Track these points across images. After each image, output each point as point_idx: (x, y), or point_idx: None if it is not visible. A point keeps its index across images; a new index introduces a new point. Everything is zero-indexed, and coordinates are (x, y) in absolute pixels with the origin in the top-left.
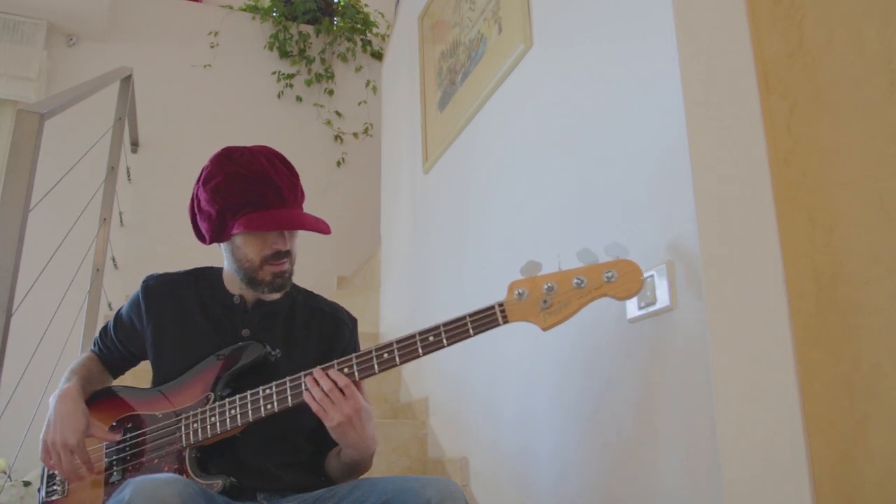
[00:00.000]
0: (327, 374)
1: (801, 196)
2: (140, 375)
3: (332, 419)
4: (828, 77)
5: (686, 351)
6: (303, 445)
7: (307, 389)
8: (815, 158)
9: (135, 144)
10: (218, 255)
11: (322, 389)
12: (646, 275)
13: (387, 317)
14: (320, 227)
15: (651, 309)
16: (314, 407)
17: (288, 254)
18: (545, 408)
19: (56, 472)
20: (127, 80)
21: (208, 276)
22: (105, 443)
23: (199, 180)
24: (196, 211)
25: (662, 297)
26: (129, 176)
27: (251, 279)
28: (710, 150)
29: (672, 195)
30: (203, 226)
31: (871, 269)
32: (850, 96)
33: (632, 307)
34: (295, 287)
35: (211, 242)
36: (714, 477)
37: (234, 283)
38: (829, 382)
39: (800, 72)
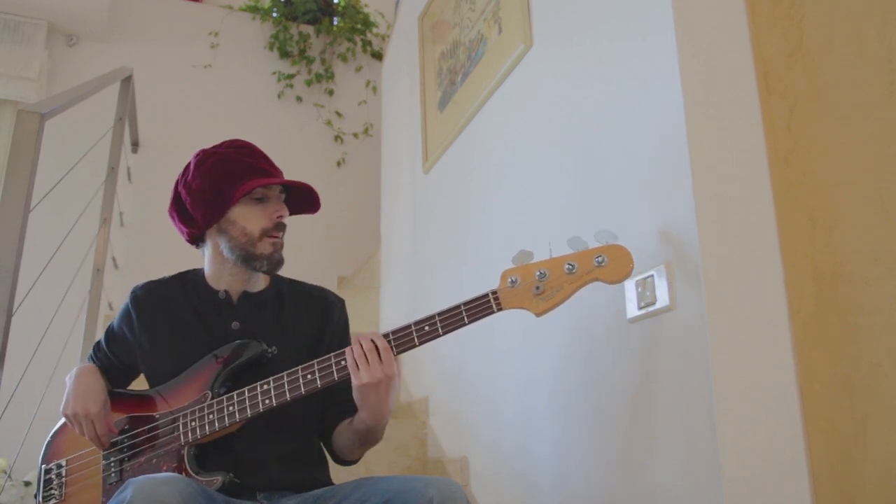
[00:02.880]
0: (370, 338)
1: (801, 196)
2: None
3: (361, 378)
4: (828, 77)
5: (686, 351)
6: (302, 434)
7: (349, 348)
8: (815, 158)
9: (135, 144)
10: None
11: (361, 348)
12: (646, 275)
13: (387, 317)
14: (314, 195)
15: (651, 309)
16: (349, 362)
17: (284, 227)
18: (545, 408)
19: (52, 477)
20: (127, 81)
21: (192, 278)
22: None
23: (184, 174)
24: (187, 198)
25: (662, 297)
26: (129, 176)
27: (248, 255)
28: (710, 150)
29: (672, 195)
30: (198, 208)
31: (871, 269)
32: (850, 96)
33: (631, 307)
34: (278, 276)
35: (203, 227)
36: (714, 477)
37: (218, 279)
38: (829, 382)
39: (800, 72)
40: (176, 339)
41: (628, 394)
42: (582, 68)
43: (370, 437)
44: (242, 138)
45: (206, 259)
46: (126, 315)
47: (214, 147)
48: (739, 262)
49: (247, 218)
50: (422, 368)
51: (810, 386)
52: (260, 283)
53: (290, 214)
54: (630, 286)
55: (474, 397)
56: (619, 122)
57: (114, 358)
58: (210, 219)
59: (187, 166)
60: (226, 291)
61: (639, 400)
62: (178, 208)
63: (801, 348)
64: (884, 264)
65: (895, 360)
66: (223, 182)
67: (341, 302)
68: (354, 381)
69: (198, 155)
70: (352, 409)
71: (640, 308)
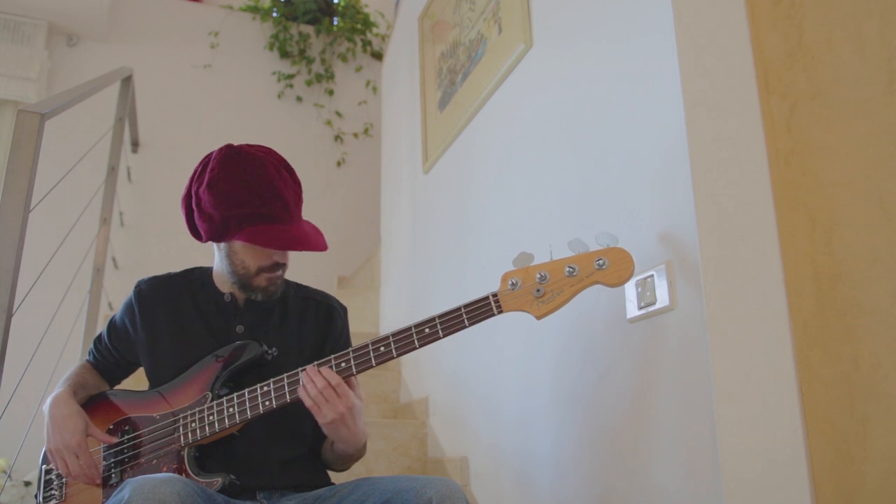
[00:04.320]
0: (320, 373)
1: (801, 196)
2: (142, 376)
3: (325, 416)
4: (828, 77)
5: (686, 351)
6: (302, 441)
7: (303, 386)
8: (815, 158)
9: (135, 144)
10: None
11: (316, 387)
12: (646, 275)
13: (387, 317)
14: (319, 245)
15: (651, 309)
16: (308, 403)
17: (285, 266)
18: (545, 408)
19: (65, 477)
20: (127, 81)
21: (199, 276)
22: (103, 445)
23: (200, 179)
24: (195, 208)
25: (662, 297)
26: (129, 176)
27: (245, 285)
28: (710, 150)
29: (672, 195)
30: (202, 226)
31: (871, 269)
32: (850, 96)
33: (631, 307)
34: (285, 280)
35: (206, 240)
36: (714, 477)
37: (224, 282)
38: (829, 382)
39: (800, 72)
40: (178, 337)
41: (628, 394)
42: (582, 68)
43: (354, 456)
44: (242, 137)
45: (215, 260)
46: (129, 308)
47: (236, 163)
48: (739, 261)
49: (247, 253)
50: (422, 369)
51: (810, 386)
52: None
53: (309, 250)
54: (630, 286)
55: (474, 397)
56: (620, 122)
57: (114, 351)
58: (213, 239)
59: (206, 163)
60: (231, 294)
61: (639, 400)
62: (188, 211)
63: (801, 348)
64: (884, 264)
65: (895, 360)
66: (230, 215)
67: (344, 310)
68: (319, 420)
69: (216, 166)
70: None
71: (640, 308)
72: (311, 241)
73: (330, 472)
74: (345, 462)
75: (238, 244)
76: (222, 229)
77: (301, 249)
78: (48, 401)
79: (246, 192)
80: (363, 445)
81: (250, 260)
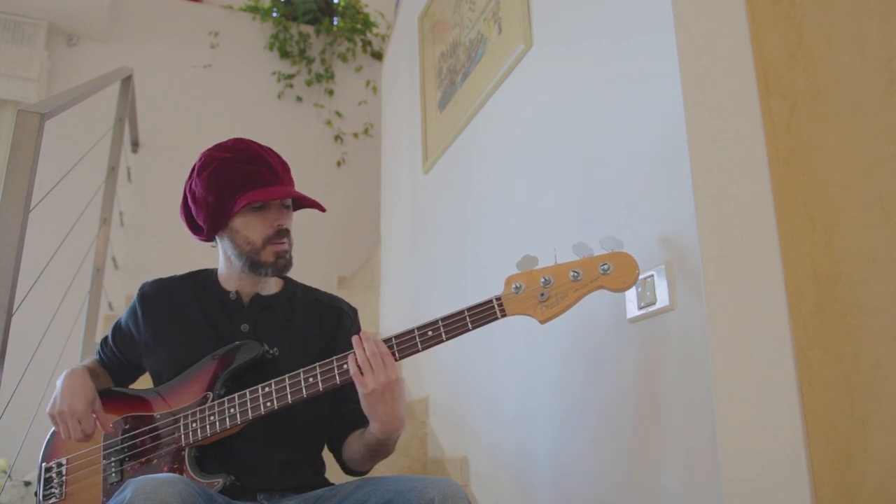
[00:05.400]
0: (372, 340)
1: (801, 196)
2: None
3: (367, 385)
4: (828, 77)
5: (686, 351)
6: (301, 445)
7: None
8: (815, 158)
9: (135, 144)
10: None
11: (364, 353)
12: (646, 275)
13: (387, 316)
14: (317, 203)
15: (651, 309)
16: (352, 370)
17: (287, 232)
18: (545, 408)
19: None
20: (127, 81)
21: (203, 277)
22: (103, 444)
23: (190, 175)
24: (192, 204)
25: (662, 297)
26: (129, 176)
27: (254, 262)
28: (710, 150)
29: (672, 195)
30: (201, 216)
31: (871, 269)
32: (850, 96)
33: (632, 307)
34: (293, 282)
35: (209, 233)
36: (714, 477)
37: (229, 281)
38: (829, 382)
39: (800, 72)
40: (183, 338)
41: (628, 394)
42: (582, 68)
43: (381, 450)
44: (245, 137)
45: (219, 259)
46: (133, 311)
47: (217, 149)
48: (739, 262)
49: (248, 227)
50: (422, 368)
51: (810, 386)
52: (272, 286)
53: (300, 208)
54: None
55: (474, 397)
56: (620, 121)
57: (119, 354)
58: (214, 227)
59: (193, 168)
60: (237, 293)
61: (639, 400)
62: (187, 213)
63: (801, 348)
64: (884, 264)
65: (895, 360)
66: (223, 191)
67: (354, 312)
68: (361, 390)
69: (201, 158)
70: (360, 419)
71: (640, 308)
72: (308, 197)
73: (332, 473)
74: (371, 458)
75: (239, 221)
76: (220, 209)
77: (298, 198)
78: (63, 373)
79: (232, 167)
80: (396, 439)
81: (253, 233)
